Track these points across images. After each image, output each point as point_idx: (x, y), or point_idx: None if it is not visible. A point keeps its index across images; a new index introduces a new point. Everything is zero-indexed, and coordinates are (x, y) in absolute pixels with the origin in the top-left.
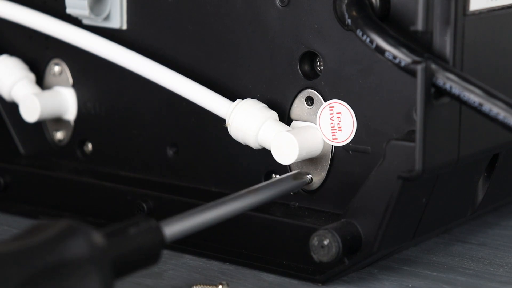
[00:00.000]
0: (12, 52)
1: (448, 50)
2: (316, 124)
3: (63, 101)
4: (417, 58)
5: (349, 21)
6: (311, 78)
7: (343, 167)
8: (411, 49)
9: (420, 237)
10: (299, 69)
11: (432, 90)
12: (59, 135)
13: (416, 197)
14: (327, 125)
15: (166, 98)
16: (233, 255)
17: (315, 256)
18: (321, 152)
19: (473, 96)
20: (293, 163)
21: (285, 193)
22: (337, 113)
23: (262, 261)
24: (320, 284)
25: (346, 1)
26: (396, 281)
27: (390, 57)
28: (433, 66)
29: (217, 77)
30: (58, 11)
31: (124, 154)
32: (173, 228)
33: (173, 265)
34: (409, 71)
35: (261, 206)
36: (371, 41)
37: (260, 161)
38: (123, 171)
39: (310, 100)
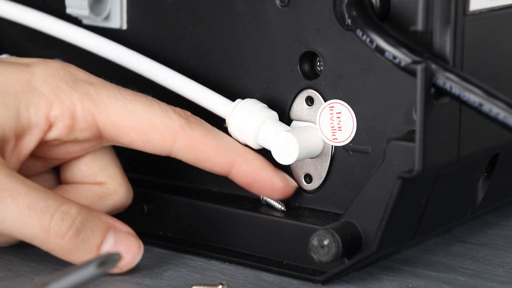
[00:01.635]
0: (11, 51)
1: (448, 50)
2: (316, 124)
3: None
4: (417, 58)
5: (349, 21)
6: (311, 78)
7: (343, 167)
8: (411, 49)
9: (420, 237)
10: (299, 69)
11: (432, 90)
12: None
13: (416, 197)
14: (327, 125)
15: (166, 97)
16: (233, 255)
17: (315, 256)
18: (321, 152)
19: (473, 96)
20: (293, 163)
21: (87, 282)
22: (337, 113)
23: (262, 261)
24: (320, 284)
25: (346, 1)
26: (396, 281)
27: (390, 57)
28: (433, 66)
29: (217, 77)
30: (58, 11)
31: (124, 154)
32: None
33: (173, 265)
34: (409, 71)
35: (261, 207)
36: (371, 41)
37: None
38: (124, 172)
39: (310, 100)
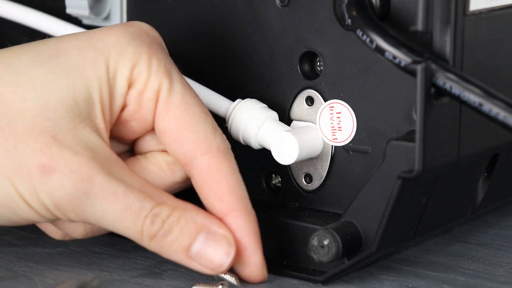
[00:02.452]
0: None
1: (448, 50)
2: (316, 124)
3: None
4: (417, 58)
5: (349, 21)
6: (311, 78)
7: (343, 167)
8: (411, 49)
9: (420, 237)
10: (299, 69)
11: (432, 90)
12: None
13: (416, 197)
14: (327, 125)
15: None
16: None
17: (315, 256)
18: (321, 152)
19: (473, 96)
20: (293, 163)
21: None
22: (337, 113)
23: None
24: (320, 284)
25: (346, 1)
26: (396, 281)
27: (390, 57)
28: (433, 66)
29: (217, 77)
30: (58, 11)
31: None
32: None
33: (173, 265)
34: (409, 71)
35: (261, 207)
36: (371, 41)
37: (260, 161)
38: None
39: (310, 100)
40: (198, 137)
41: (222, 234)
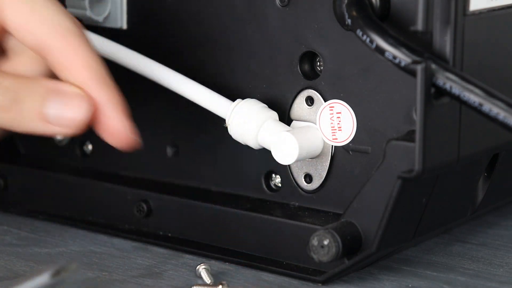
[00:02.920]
0: None
1: (448, 50)
2: (316, 124)
3: None
4: (417, 58)
5: (349, 21)
6: (311, 78)
7: (343, 167)
8: (411, 49)
9: (420, 237)
10: (299, 69)
11: (432, 90)
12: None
13: (416, 197)
14: (327, 125)
15: (166, 97)
16: (233, 255)
17: (315, 256)
18: (321, 152)
19: (473, 96)
20: (293, 163)
21: None
22: (337, 113)
23: (262, 261)
24: (320, 284)
25: (346, 1)
26: (396, 281)
27: (390, 57)
28: (433, 66)
29: (217, 77)
30: None
31: (124, 154)
32: None
33: (173, 265)
34: (409, 71)
35: (261, 207)
36: (371, 41)
37: (260, 161)
38: (123, 171)
39: (310, 100)
40: (45, 22)
41: (75, 91)
